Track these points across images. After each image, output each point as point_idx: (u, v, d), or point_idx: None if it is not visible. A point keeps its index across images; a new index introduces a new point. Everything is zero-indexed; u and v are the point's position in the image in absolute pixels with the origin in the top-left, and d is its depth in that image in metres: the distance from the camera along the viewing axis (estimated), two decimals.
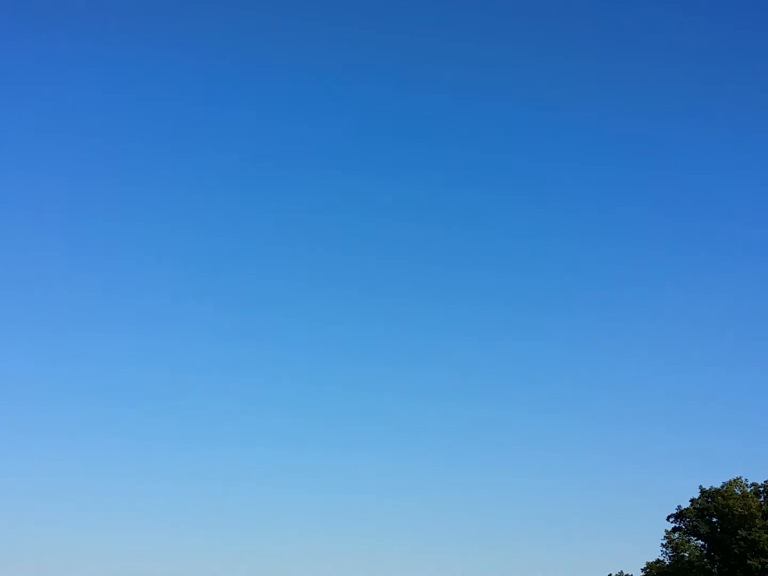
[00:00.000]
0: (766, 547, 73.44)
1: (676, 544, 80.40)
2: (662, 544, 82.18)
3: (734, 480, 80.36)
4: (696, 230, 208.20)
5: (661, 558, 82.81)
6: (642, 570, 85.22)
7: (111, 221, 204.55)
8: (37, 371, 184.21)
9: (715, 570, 77.99)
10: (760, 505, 76.50)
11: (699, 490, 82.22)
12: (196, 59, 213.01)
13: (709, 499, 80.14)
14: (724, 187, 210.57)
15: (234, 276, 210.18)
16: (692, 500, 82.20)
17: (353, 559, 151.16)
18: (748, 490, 79.35)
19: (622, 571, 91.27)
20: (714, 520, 79.80)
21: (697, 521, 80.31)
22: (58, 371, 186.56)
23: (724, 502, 77.38)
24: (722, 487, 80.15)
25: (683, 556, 79.50)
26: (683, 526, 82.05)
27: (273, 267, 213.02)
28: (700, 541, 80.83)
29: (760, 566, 72.95)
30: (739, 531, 74.95)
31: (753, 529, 74.20)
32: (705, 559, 78.78)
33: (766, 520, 75.34)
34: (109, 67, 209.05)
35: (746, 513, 74.95)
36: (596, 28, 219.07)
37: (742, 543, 74.30)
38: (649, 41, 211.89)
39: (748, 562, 73.44)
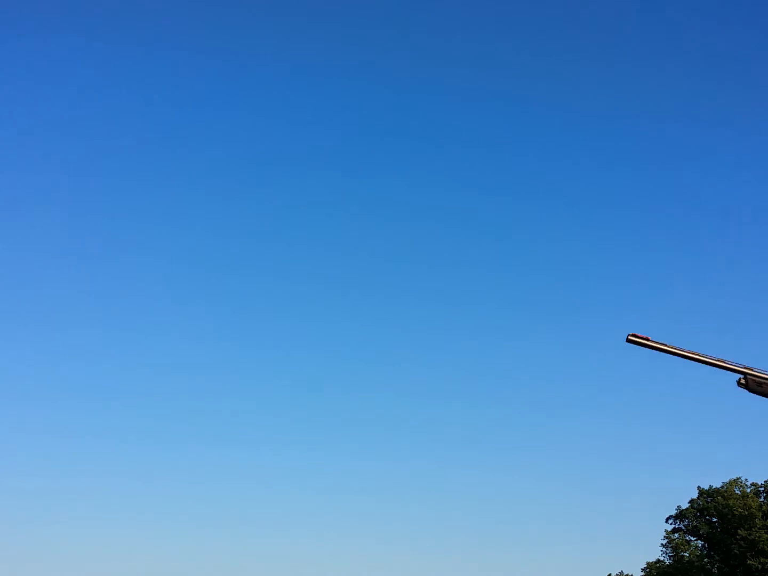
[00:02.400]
0: (766, 547, 73.40)
1: (676, 544, 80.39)
2: (662, 544, 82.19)
3: (734, 480, 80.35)
4: (696, 230, 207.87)
5: (661, 558, 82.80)
6: (642, 570, 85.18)
7: (111, 221, 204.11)
8: (36, 371, 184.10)
9: (715, 570, 77.98)
10: (760, 505, 76.46)
11: (698, 491, 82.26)
12: (195, 59, 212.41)
13: (709, 500, 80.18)
14: (724, 187, 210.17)
15: (234, 276, 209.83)
16: (692, 500, 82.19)
17: (353, 559, 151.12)
18: (748, 490, 79.32)
19: (622, 571, 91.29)
20: (714, 520, 79.82)
21: (697, 521, 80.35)
22: (58, 371, 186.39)
23: (724, 502, 77.38)
24: (722, 487, 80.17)
25: (683, 556, 79.48)
26: (683, 527, 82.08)
27: (273, 267, 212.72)
28: (700, 542, 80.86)
29: (760, 566, 72.92)
30: (739, 531, 74.92)
31: (753, 529, 74.17)
32: (705, 559, 78.79)
33: (766, 520, 75.30)
34: (109, 67, 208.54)
35: (746, 513, 74.93)
36: (596, 28, 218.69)
37: (742, 543, 74.29)
38: (649, 41, 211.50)
39: (748, 562, 73.41)
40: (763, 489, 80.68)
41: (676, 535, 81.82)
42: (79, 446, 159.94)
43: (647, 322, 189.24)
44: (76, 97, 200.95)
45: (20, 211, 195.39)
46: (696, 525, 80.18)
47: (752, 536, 73.86)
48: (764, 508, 76.67)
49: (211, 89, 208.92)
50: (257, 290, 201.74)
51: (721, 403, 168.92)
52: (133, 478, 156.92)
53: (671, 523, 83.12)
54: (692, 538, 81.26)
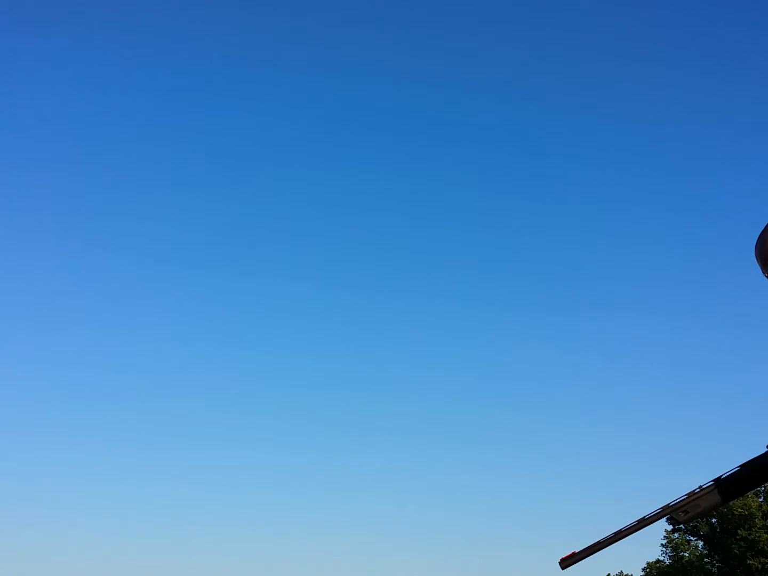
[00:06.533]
0: (766, 547, 73.41)
1: (676, 544, 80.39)
2: (662, 544, 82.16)
3: None
4: (696, 230, 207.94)
5: (661, 558, 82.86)
6: (642, 570, 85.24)
7: (111, 221, 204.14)
8: (36, 371, 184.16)
9: (715, 570, 78.00)
10: (760, 505, 76.47)
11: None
12: (195, 59, 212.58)
13: None
14: (724, 187, 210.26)
15: (234, 276, 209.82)
16: None
17: (353, 559, 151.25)
18: None
19: (621, 571, 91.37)
20: (714, 520, 79.84)
21: (696, 521, 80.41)
22: (58, 371, 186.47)
23: None
24: None
25: (683, 556, 79.52)
26: (683, 527, 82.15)
27: (273, 267, 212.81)
28: (700, 542, 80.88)
29: (760, 566, 72.94)
30: (739, 531, 74.92)
31: (753, 529, 74.16)
32: (705, 559, 78.83)
33: (766, 520, 75.33)
34: (110, 67, 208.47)
35: (746, 513, 74.96)
36: (596, 28, 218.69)
37: (742, 543, 74.29)
38: (648, 41, 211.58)
39: (748, 562, 73.42)
40: (762, 489, 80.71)
41: (676, 535, 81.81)
42: (79, 446, 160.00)
43: (647, 321, 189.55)
44: (76, 97, 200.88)
45: (20, 211, 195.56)
46: (696, 525, 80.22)
47: (752, 536, 73.89)
48: (764, 508, 76.71)
49: (211, 89, 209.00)
50: (256, 290, 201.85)
51: (721, 403, 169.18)
52: (132, 479, 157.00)
53: (671, 524, 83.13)
54: (692, 538, 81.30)
